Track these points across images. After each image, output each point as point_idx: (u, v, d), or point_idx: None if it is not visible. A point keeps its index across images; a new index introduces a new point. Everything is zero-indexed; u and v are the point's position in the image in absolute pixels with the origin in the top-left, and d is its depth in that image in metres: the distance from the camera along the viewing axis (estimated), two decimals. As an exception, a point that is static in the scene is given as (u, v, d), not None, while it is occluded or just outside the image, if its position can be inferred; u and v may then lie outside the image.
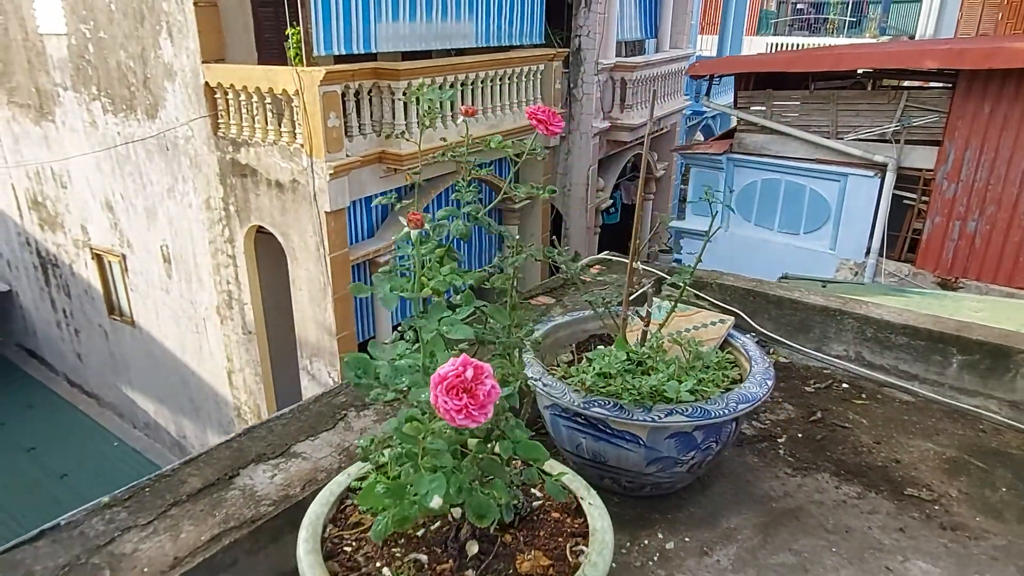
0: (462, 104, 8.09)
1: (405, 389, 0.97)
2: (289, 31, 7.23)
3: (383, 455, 1.24)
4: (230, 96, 7.45)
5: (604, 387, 1.78)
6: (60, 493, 9.81)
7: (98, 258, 10.25)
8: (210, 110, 7.66)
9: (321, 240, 7.25)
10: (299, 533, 1.37)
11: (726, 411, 1.72)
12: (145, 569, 1.42)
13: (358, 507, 1.37)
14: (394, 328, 5.62)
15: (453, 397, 0.77)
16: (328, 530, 1.42)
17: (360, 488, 1.25)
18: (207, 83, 7.52)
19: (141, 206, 9.13)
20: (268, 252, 8.23)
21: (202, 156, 8.02)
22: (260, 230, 8.02)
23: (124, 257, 9.80)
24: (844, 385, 2.65)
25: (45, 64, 9.26)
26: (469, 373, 0.78)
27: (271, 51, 8.10)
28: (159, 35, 7.73)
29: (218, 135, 7.75)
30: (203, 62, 7.44)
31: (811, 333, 2.79)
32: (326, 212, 7.09)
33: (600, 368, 1.82)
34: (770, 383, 1.86)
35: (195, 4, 7.24)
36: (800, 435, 2.33)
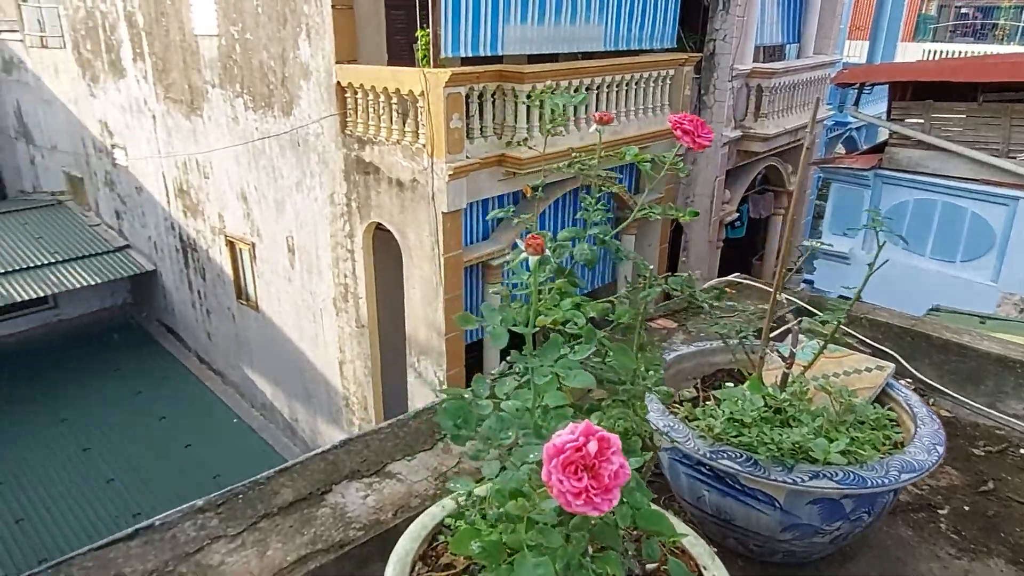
0: (595, 111, 7.92)
1: (509, 444, 0.83)
2: (419, 33, 7.38)
3: (478, 498, 1.11)
4: (359, 96, 7.71)
5: (735, 436, 1.57)
6: (184, 463, 10.56)
7: (231, 245, 10.97)
8: (339, 109, 7.96)
9: (436, 240, 7.33)
10: (387, 569, 1.27)
11: (885, 480, 1.46)
12: (229, 586, 1.37)
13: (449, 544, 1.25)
14: (502, 357, 5.53)
15: (571, 476, 0.62)
16: (417, 568, 1.31)
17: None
18: (339, 83, 7.82)
19: (272, 198, 9.66)
20: (385, 249, 8.44)
21: (329, 153, 8.36)
22: (379, 227, 8.24)
23: (254, 245, 10.42)
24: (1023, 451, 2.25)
25: (198, 63, 10.01)
26: (592, 447, 0.63)
27: (401, 53, 8.32)
28: (298, 36, 8.13)
29: (345, 133, 8.04)
30: (336, 62, 7.74)
31: (983, 385, 2.40)
32: (443, 212, 7.15)
33: (732, 413, 1.61)
34: (940, 450, 1.57)
35: (333, 7, 7.54)
36: (967, 508, 1.98)
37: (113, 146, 12.79)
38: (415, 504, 1.61)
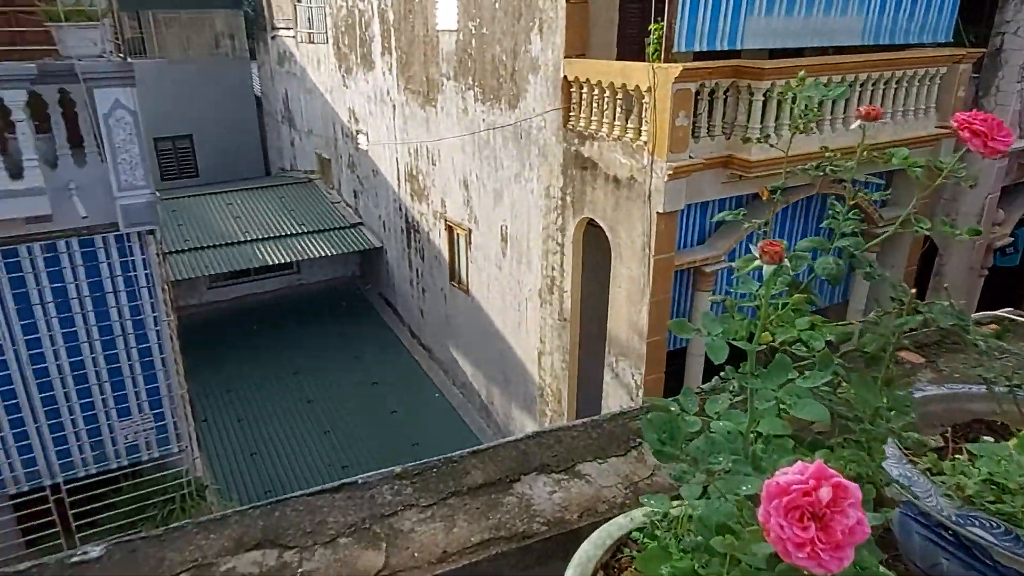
0: (857, 107, 7.26)
1: (718, 471, 0.76)
2: (652, 27, 7.27)
3: (673, 518, 1.05)
4: (584, 90, 7.80)
5: (993, 502, 1.32)
6: (389, 427, 11.60)
7: (450, 229, 11.76)
8: (563, 103, 8.13)
9: (648, 241, 7.21)
10: (568, 570, 1.26)
11: None
12: (416, 554, 1.44)
13: (634, 559, 1.20)
14: (710, 372, 5.28)
15: (795, 523, 0.53)
16: (598, 576, 1.28)
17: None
18: (565, 77, 7.98)
19: (491, 188, 10.17)
20: (594, 245, 8.49)
21: (550, 146, 8.58)
22: (590, 223, 8.30)
23: (470, 232, 11.06)
24: None
25: (436, 57, 10.83)
26: (825, 494, 0.54)
27: (631, 47, 8.26)
28: (531, 31, 8.43)
29: (567, 127, 8.19)
30: (565, 57, 7.90)
31: None
32: (658, 213, 7.01)
33: (990, 474, 1.35)
34: None
35: (567, 1, 7.70)
36: None
37: (357, 132, 14.32)
38: (602, 509, 1.58)
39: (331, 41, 14.65)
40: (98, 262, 6.80)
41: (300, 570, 1.39)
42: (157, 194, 6.91)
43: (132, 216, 6.64)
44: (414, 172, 12.57)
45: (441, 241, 12.13)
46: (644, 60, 7.20)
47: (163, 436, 7.69)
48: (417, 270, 13.47)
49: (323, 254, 14.43)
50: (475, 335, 11.64)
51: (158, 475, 7.66)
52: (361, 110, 14.00)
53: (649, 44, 7.30)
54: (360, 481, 1.64)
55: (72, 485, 7.24)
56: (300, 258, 14.37)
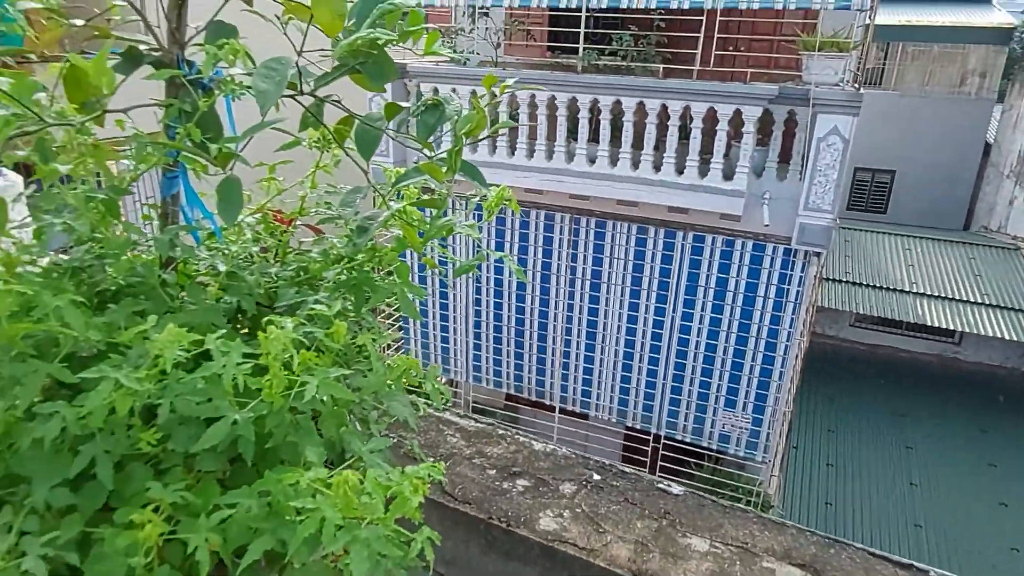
0: None
1: None
2: None
3: None
4: None
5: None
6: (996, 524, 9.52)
7: None
8: None
9: None
10: None
11: None
12: None
13: None
14: None
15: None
16: None
17: None
18: None
19: None
20: None
21: None
22: None
23: None
24: None
25: None
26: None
27: None
28: None
29: None
30: None
31: None
32: None
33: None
34: None
35: None
36: None
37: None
38: None
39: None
40: (760, 267, 7.55)
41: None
42: (837, 220, 7.18)
43: (807, 235, 7.09)
44: None
45: None
46: None
47: (753, 441, 8.21)
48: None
49: (1000, 335, 12.43)
50: None
51: (735, 471, 8.26)
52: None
53: None
54: (932, 574, 1.48)
55: (669, 443, 8.50)
56: (967, 330, 12.74)
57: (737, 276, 7.69)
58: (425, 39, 1.39)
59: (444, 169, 1.25)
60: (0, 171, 2.34)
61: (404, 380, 1.48)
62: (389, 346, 8.75)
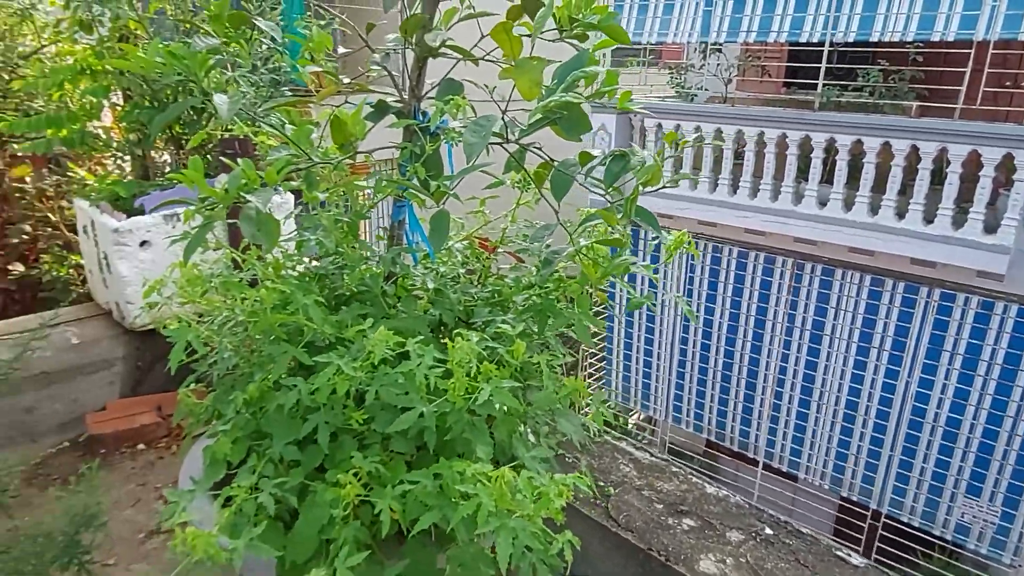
0: None
1: None
2: None
3: None
4: None
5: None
6: None
7: None
8: None
9: None
10: None
11: None
12: None
13: None
14: None
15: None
16: None
17: None
18: None
19: None
20: None
21: None
22: None
23: None
24: None
25: None
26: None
27: None
28: None
29: None
30: None
31: None
32: None
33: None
34: None
35: None
36: None
37: None
38: None
39: None
40: (1020, 334, 6.61)
41: None
42: None
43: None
44: None
45: None
46: None
47: (1000, 539, 7.14)
48: None
49: None
50: None
51: (972, 571, 7.24)
52: None
53: None
54: None
55: (891, 523, 7.68)
56: None
57: (995, 344, 6.80)
58: (619, 96, 1.58)
59: (619, 215, 1.42)
60: (278, 190, 2.93)
61: (572, 400, 1.65)
62: (590, 375, 8.98)
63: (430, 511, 1.33)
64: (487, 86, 1.51)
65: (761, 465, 8.28)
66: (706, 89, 8.18)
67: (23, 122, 3.56)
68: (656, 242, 1.73)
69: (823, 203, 7.21)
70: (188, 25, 3.26)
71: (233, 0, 1.80)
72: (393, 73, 1.77)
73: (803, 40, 7.13)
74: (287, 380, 1.47)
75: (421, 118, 1.74)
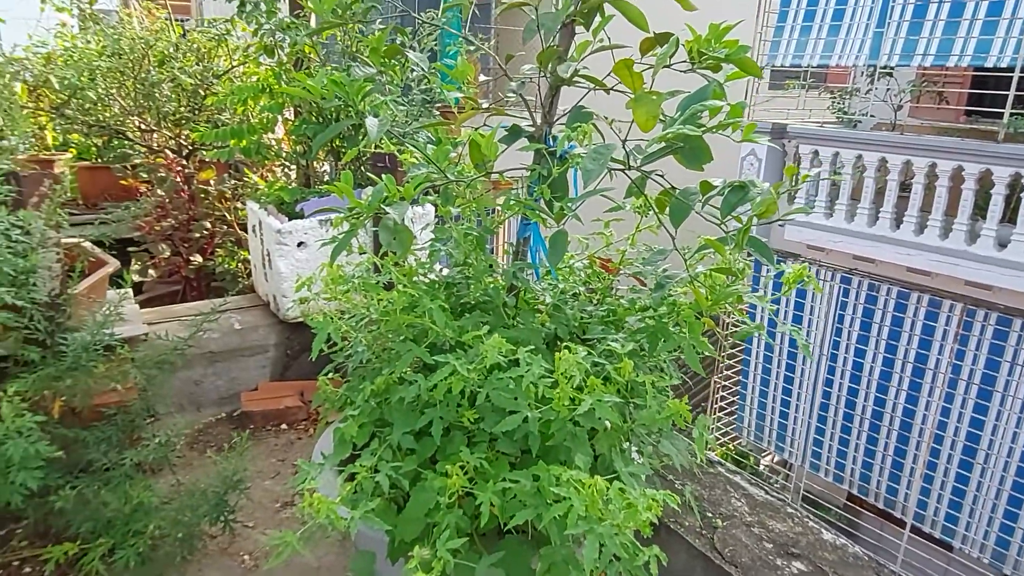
0: None
1: None
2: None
3: None
4: None
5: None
6: None
7: None
8: None
9: None
10: None
11: None
12: None
13: None
14: None
15: None
16: None
17: None
18: None
19: None
20: None
21: None
22: None
23: None
24: None
25: None
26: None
27: None
28: None
29: None
30: None
31: None
32: None
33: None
34: None
35: None
36: None
37: None
38: None
39: None
40: None
41: None
42: None
43: None
44: None
45: None
46: None
47: None
48: None
49: None
50: None
51: None
52: None
53: None
54: None
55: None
56: None
57: None
58: (744, 128, 1.64)
59: (730, 247, 1.48)
60: (419, 203, 3.19)
61: (674, 422, 1.72)
62: (722, 408, 8.73)
63: (526, 509, 1.45)
64: (606, 117, 1.62)
65: (909, 527, 7.68)
66: (872, 115, 7.77)
67: (212, 132, 4.11)
68: (770, 277, 1.76)
69: (1003, 244, 6.63)
70: (354, 51, 3.64)
71: (391, 28, 2.04)
72: (528, 99, 1.93)
73: (989, 64, 6.62)
74: (410, 376, 1.66)
75: (551, 143, 1.88)
